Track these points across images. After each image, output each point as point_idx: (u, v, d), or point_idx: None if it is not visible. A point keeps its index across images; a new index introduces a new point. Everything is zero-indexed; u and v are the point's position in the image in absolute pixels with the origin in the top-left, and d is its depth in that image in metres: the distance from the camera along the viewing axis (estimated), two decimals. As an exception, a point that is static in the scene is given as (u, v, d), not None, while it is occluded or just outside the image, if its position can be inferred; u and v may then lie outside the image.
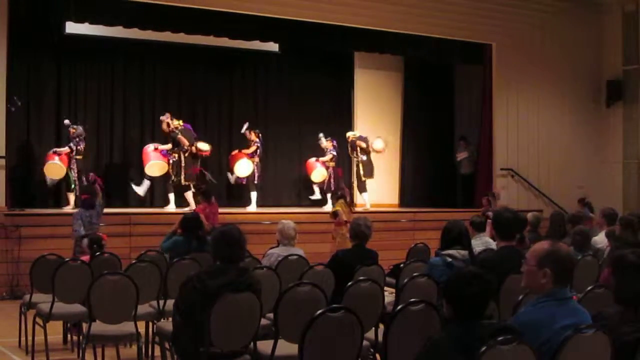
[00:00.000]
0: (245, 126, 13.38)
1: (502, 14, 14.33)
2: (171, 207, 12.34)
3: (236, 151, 13.45)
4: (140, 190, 12.78)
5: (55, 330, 7.03)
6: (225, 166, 13.89)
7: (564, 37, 15.46)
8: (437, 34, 13.97)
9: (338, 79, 15.59)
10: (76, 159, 11.91)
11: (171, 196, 12.51)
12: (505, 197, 14.65)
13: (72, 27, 12.47)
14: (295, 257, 6.69)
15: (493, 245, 6.83)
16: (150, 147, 12.66)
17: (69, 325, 7.08)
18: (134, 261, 6.82)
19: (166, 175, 12.53)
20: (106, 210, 12.18)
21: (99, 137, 13.52)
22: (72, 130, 11.95)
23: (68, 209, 11.51)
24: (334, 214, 10.98)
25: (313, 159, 14.04)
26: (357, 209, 13.25)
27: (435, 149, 16.00)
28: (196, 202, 11.84)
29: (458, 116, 16.41)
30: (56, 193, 12.60)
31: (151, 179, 12.73)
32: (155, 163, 12.47)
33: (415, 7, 13.26)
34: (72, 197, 11.82)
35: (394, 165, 15.86)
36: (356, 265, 6.07)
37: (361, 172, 13.87)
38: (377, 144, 14.44)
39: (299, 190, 14.95)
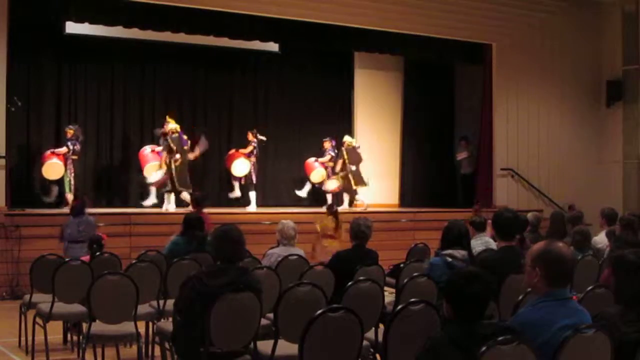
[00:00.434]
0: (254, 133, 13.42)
1: (502, 14, 14.32)
2: (171, 207, 12.31)
3: (233, 151, 13.48)
4: (303, 192, 13.71)
5: (55, 330, 7.03)
6: (224, 166, 13.87)
7: (564, 37, 15.45)
8: (437, 34, 13.97)
9: (338, 79, 15.60)
10: (72, 159, 11.92)
11: (169, 197, 12.48)
12: (505, 197, 14.67)
13: (72, 27, 12.49)
14: (295, 257, 6.69)
15: (493, 245, 6.83)
16: (146, 150, 12.67)
17: (69, 325, 7.08)
18: (134, 261, 6.81)
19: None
20: (106, 210, 12.27)
21: (99, 137, 13.54)
22: (69, 130, 11.97)
23: (67, 209, 11.49)
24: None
25: (312, 159, 14.06)
26: (357, 209, 13.29)
27: (435, 149, 16.01)
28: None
29: (458, 116, 16.42)
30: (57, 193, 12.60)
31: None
32: (154, 164, 12.45)
33: (415, 7, 13.26)
34: (70, 197, 11.82)
35: (394, 165, 15.86)
36: (356, 265, 6.07)
37: (352, 181, 13.83)
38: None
39: (299, 190, 14.94)
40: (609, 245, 7.46)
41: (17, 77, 11.76)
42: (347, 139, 14.01)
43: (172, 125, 12.31)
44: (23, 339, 6.94)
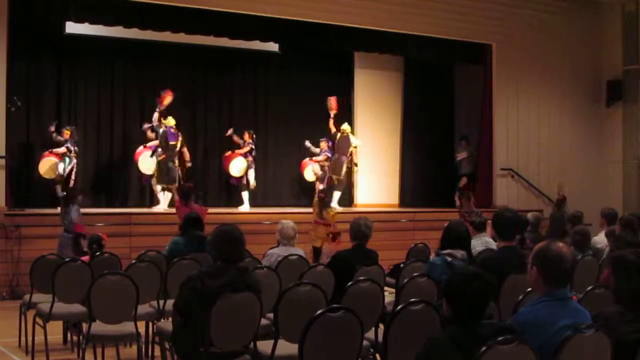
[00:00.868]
0: (230, 131, 13.38)
1: (502, 14, 14.32)
2: (162, 207, 12.30)
3: (229, 152, 13.49)
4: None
5: (55, 330, 7.03)
6: (223, 168, 13.88)
7: (564, 37, 15.45)
8: (437, 34, 13.97)
9: (338, 79, 15.58)
10: (72, 158, 11.98)
11: (161, 196, 12.49)
12: (505, 197, 14.67)
13: (72, 27, 12.48)
14: (295, 257, 6.69)
15: (493, 245, 6.83)
16: (139, 149, 12.75)
17: (69, 325, 7.08)
18: (134, 261, 6.81)
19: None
20: (106, 210, 12.28)
21: (99, 136, 13.54)
22: (66, 131, 12.00)
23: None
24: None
25: (307, 159, 14.14)
26: (358, 209, 13.29)
27: (435, 149, 15.99)
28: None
29: (458, 116, 16.41)
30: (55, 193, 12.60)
31: None
32: (146, 156, 12.50)
33: (415, 7, 13.25)
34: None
35: (394, 165, 15.86)
36: (356, 265, 6.07)
37: (330, 169, 13.77)
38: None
39: (299, 190, 14.95)
40: (608, 245, 7.46)
41: (17, 77, 11.76)
42: (343, 126, 13.96)
43: (166, 120, 12.33)
44: (23, 339, 6.94)
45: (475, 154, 15.32)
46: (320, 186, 13.42)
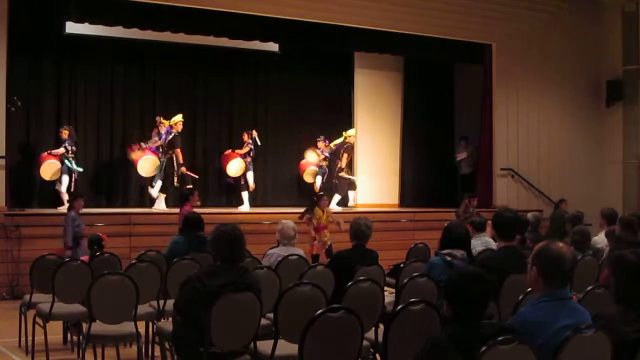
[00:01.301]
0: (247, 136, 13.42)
1: (502, 14, 14.32)
2: (162, 207, 12.31)
3: (229, 151, 13.49)
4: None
5: (55, 330, 7.03)
6: (221, 166, 13.88)
7: (564, 37, 15.45)
8: (437, 34, 13.96)
9: (338, 79, 15.59)
10: (70, 158, 12.00)
11: (161, 196, 12.50)
12: (505, 197, 14.67)
13: (72, 27, 12.47)
14: (295, 257, 6.69)
15: (493, 245, 6.83)
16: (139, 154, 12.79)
17: (69, 325, 7.08)
18: (134, 261, 6.81)
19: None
20: (106, 210, 12.27)
21: (99, 136, 13.53)
22: (64, 131, 12.00)
23: (62, 209, 11.49)
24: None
25: (305, 160, 14.16)
26: (358, 209, 13.30)
27: (435, 149, 15.99)
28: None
29: (458, 116, 16.41)
30: (55, 193, 12.59)
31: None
32: (146, 159, 12.49)
33: (416, 7, 13.26)
34: (66, 197, 11.83)
35: (394, 165, 15.86)
36: (356, 265, 6.07)
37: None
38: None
39: (299, 190, 14.95)
40: (608, 245, 7.47)
41: (17, 77, 11.75)
42: (349, 132, 14.08)
43: (171, 121, 12.44)
44: (23, 339, 6.94)
45: (475, 154, 15.31)
46: (318, 186, 13.52)
